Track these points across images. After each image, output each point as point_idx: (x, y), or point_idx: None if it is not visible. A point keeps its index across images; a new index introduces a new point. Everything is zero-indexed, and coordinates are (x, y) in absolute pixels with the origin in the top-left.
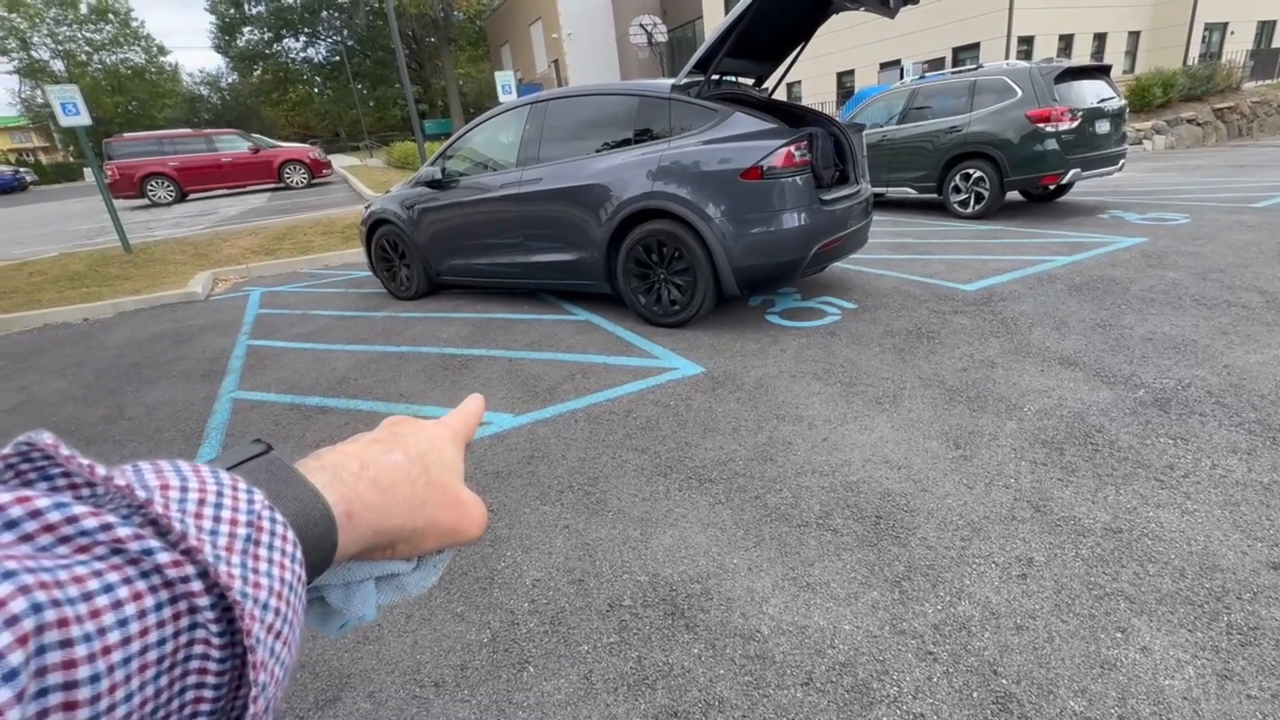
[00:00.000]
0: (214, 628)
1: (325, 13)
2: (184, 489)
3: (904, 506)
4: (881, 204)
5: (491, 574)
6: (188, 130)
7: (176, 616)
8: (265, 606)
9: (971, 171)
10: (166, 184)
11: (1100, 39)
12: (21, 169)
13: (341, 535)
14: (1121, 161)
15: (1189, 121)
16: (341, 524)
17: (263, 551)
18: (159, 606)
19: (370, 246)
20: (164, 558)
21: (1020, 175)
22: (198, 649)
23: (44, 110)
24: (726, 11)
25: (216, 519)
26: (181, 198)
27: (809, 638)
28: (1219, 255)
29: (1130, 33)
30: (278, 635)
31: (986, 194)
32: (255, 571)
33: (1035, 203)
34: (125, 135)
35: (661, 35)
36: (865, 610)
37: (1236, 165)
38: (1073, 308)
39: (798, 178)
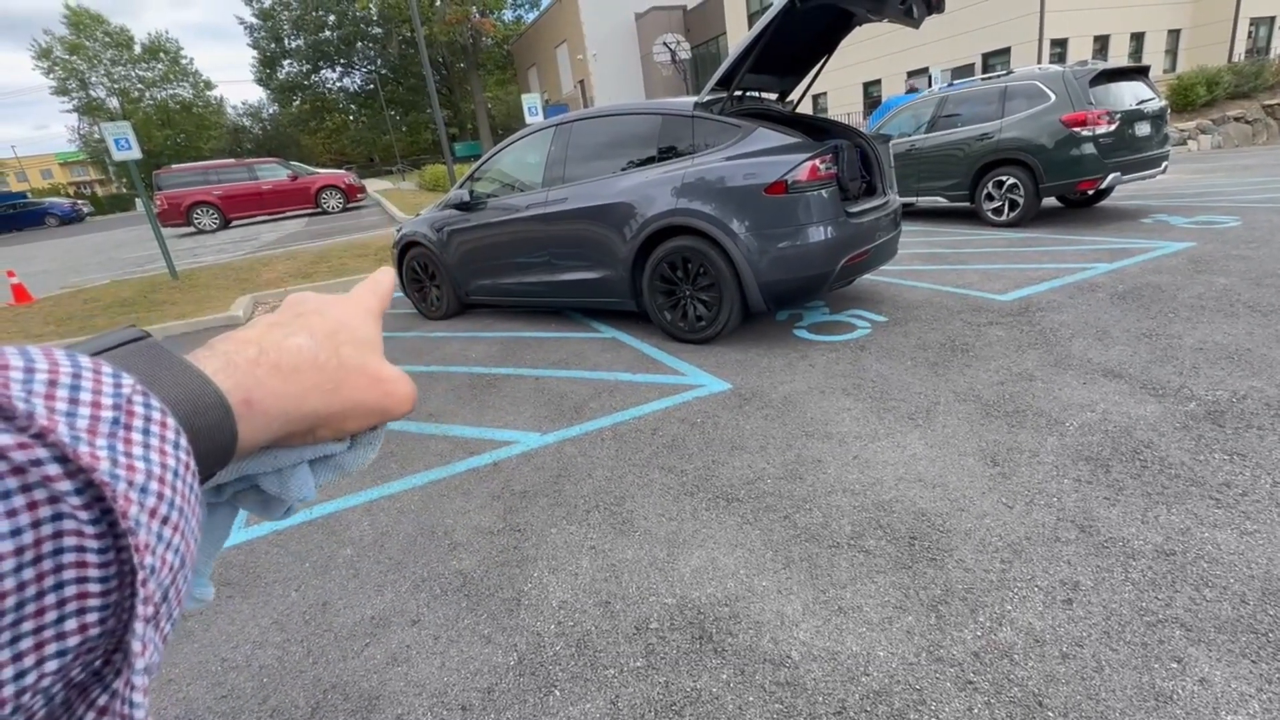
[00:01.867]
0: (84, 515)
1: (360, 44)
2: (29, 370)
3: (940, 527)
4: (912, 213)
5: (518, 595)
6: (231, 160)
7: (32, 506)
8: (144, 490)
9: (1005, 178)
10: (211, 212)
11: (1138, 39)
12: (79, 201)
13: (244, 424)
14: (1164, 164)
15: (1237, 120)
16: (240, 411)
17: (136, 436)
18: (6, 495)
19: (401, 268)
20: (5, 440)
21: (1056, 181)
22: (69, 540)
23: (100, 145)
24: (750, 27)
25: (73, 401)
26: (225, 225)
27: (841, 664)
28: (1274, 259)
29: (1170, 31)
30: (164, 520)
31: (1021, 201)
32: (128, 455)
33: (1073, 209)
34: (173, 166)
35: (685, 53)
36: (900, 636)
37: None
38: (1116, 317)
39: (823, 191)
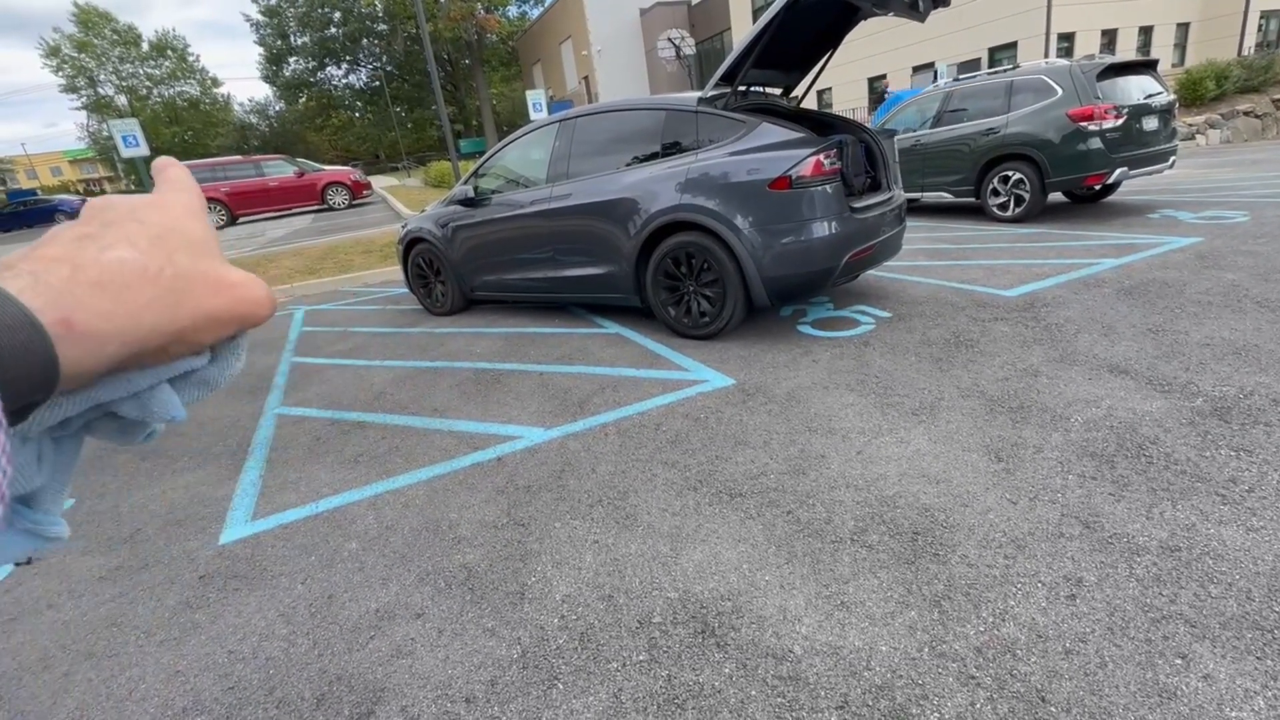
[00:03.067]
0: None
1: (365, 40)
2: None
3: (943, 522)
4: (917, 209)
5: (522, 589)
6: (238, 157)
7: None
8: None
9: (1010, 174)
10: (218, 209)
11: (1146, 32)
12: (88, 198)
13: (67, 346)
14: (1172, 159)
15: (1246, 114)
16: (59, 333)
17: None
18: None
19: (407, 264)
20: None
21: (1062, 176)
22: None
23: (109, 142)
24: (754, 22)
25: None
26: (232, 221)
27: (844, 659)
28: None
29: (1179, 24)
30: None
31: (1027, 196)
32: None
33: (1080, 204)
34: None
35: (689, 48)
36: (903, 631)
37: None
38: (1122, 312)
39: (827, 186)
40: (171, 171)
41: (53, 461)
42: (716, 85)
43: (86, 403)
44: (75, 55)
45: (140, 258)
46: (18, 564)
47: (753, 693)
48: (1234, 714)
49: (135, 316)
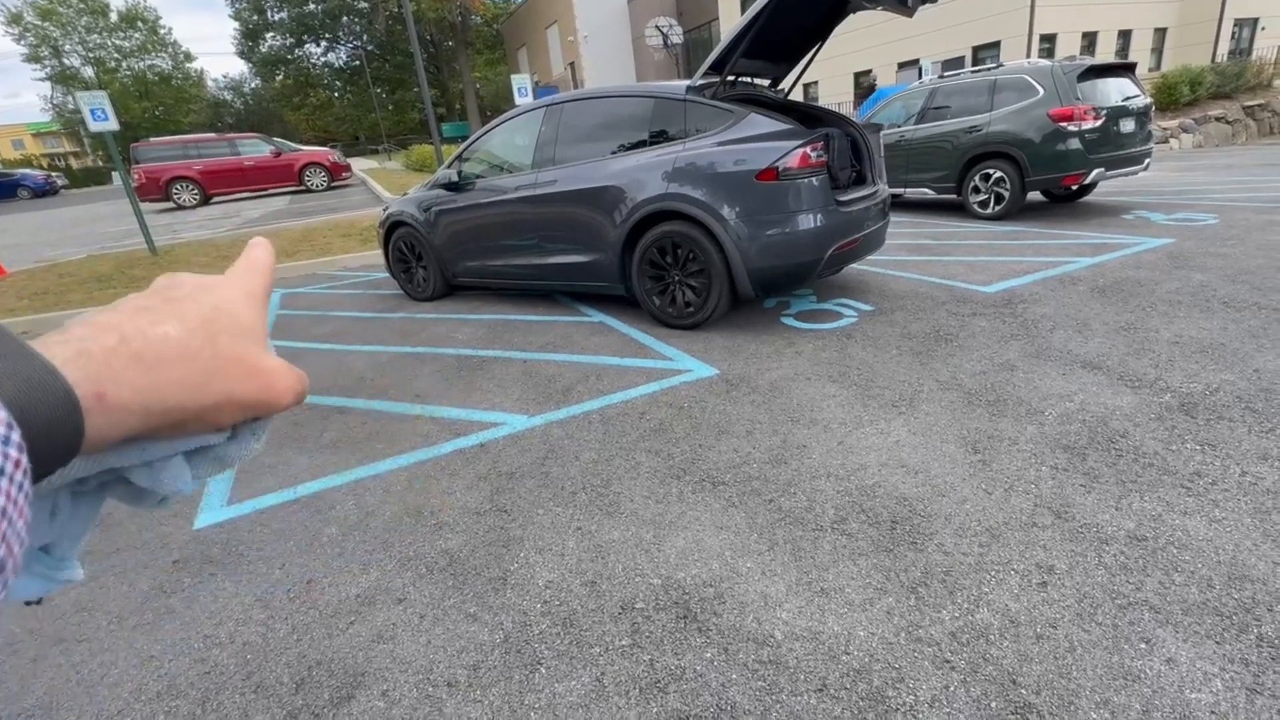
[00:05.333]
0: None
1: (345, 18)
2: None
3: (920, 511)
4: (899, 205)
5: (504, 575)
6: (212, 135)
7: None
8: None
9: (992, 171)
10: (191, 187)
11: (1125, 36)
12: (53, 173)
13: (94, 418)
14: (1147, 161)
15: (1218, 119)
16: (90, 405)
17: None
18: None
19: (388, 248)
20: None
21: (1042, 175)
22: None
23: (74, 116)
24: (742, 12)
25: None
26: (205, 201)
27: (823, 643)
28: (1249, 257)
29: (1156, 29)
30: None
31: (1007, 194)
32: None
33: (1057, 203)
34: (151, 140)
35: (677, 37)
36: (880, 616)
37: (1267, 164)
38: (1096, 310)
39: (813, 179)
40: (256, 252)
41: (69, 515)
42: (706, 74)
43: (98, 466)
44: (39, 24)
45: (184, 336)
46: (28, 603)
47: (734, 676)
48: (1194, 695)
49: (163, 392)
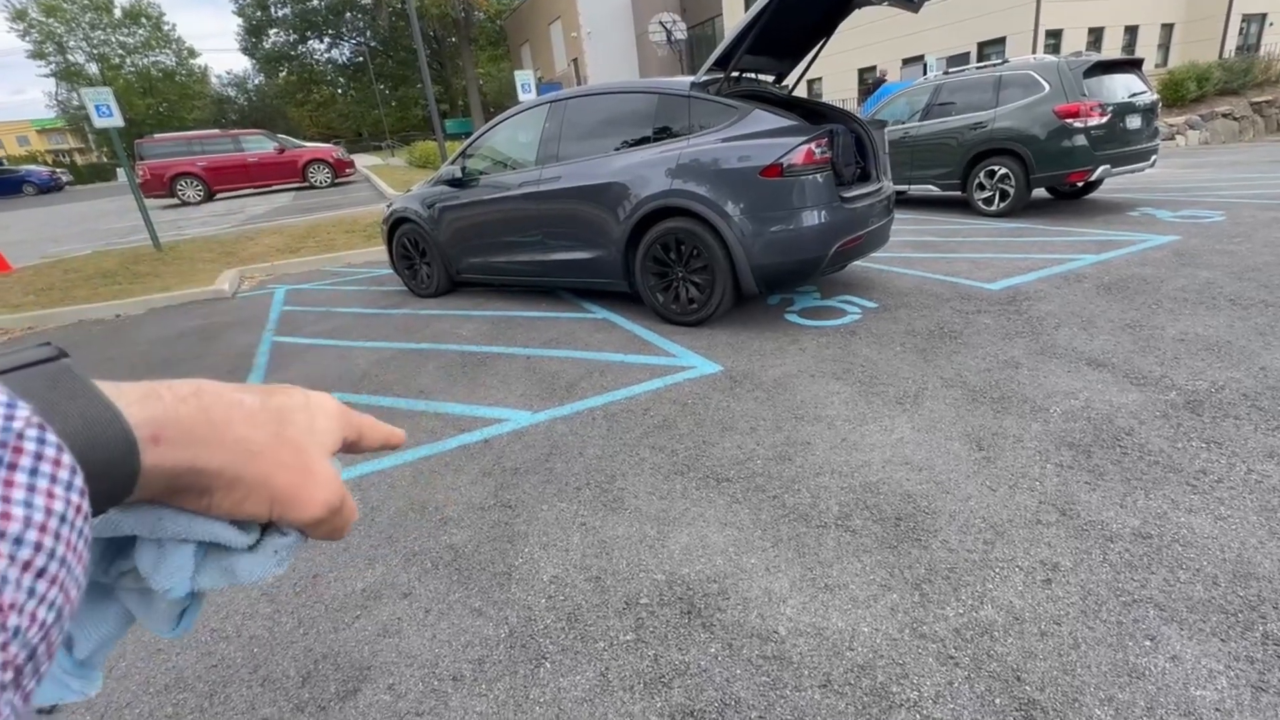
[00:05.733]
0: None
1: (349, 14)
2: None
3: (925, 508)
4: (904, 202)
5: (509, 569)
6: (216, 131)
7: None
8: (19, 541)
9: (996, 168)
10: (195, 183)
11: (1132, 32)
12: (58, 170)
13: (146, 458)
14: (1153, 158)
15: (1225, 116)
16: (145, 447)
17: (20, 477)
18: None
19: (391, 244)
20: None
21: (1047, 172)
22: None
23: (79, 112)
24: (746, 8)
25: None
26: (209, 197)
27: (827, 639)
28: (1256, 254)
29: (1163, 25)
30: (40, 573)
31: (1012, 191)
32: (6, 500)
33: (1063, 200)
34: (156, 136)
35: (681, 33)
36: (884, 613)
37: (1274, 161)
38: (1101, 307)
39: (818, 175)
40: (387, 428)
41: (98, 616)
42: (710, 70)
43: (111, 530)
44: (43, 20)
45: (257, 407)
46: (40, 711)
47: (738, 672)
48: (1199, 693)
49: (214, 446)
